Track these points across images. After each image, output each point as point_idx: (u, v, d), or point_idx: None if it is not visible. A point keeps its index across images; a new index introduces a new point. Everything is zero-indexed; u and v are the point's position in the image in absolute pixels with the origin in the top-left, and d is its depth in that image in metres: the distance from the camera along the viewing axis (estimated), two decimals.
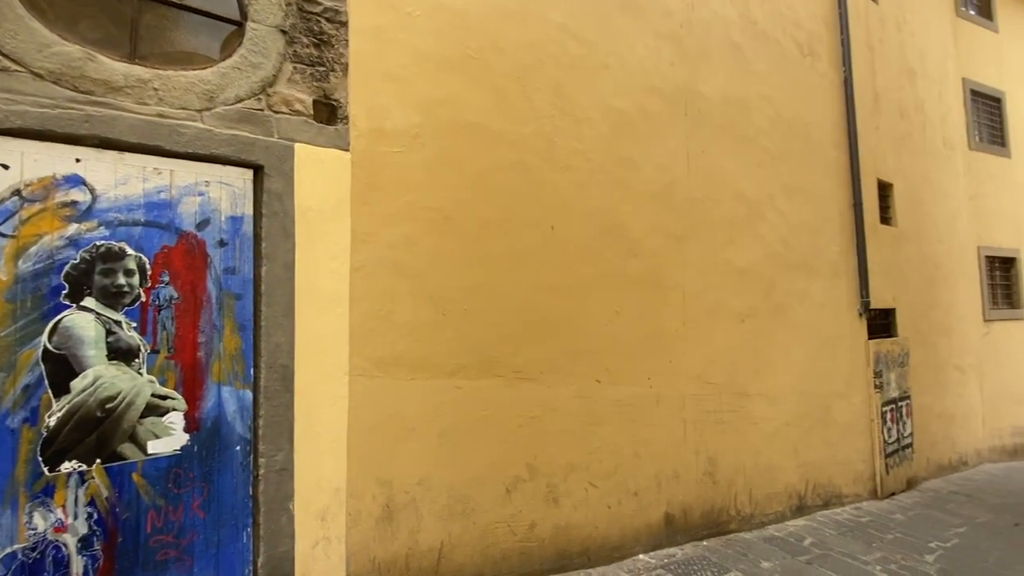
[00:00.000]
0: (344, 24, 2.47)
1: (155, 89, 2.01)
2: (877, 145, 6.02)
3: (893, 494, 5.49)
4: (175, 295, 2.04)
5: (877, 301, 5.61)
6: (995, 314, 8.08)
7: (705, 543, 3.67)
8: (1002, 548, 4.05)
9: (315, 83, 2.40)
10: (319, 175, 2.33)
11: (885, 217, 6.18)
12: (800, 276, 4.80)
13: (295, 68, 2.35)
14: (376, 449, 2.55)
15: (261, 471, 2.16)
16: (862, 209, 5.47)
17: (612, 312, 3.51)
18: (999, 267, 8.35)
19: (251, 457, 2.18)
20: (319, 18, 2.40)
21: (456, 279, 2.86)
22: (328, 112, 2.42)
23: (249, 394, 2.18)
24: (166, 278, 2.02)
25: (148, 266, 1.99)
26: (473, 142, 2.99)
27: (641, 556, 3.36)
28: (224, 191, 2.18)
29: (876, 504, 5.13)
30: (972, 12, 8.56)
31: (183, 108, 2.06)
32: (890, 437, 5.58)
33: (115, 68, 1.94)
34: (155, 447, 1.98)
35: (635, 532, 3.39)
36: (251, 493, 2.17)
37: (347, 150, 2.43)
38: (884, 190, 6.19)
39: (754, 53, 4.64)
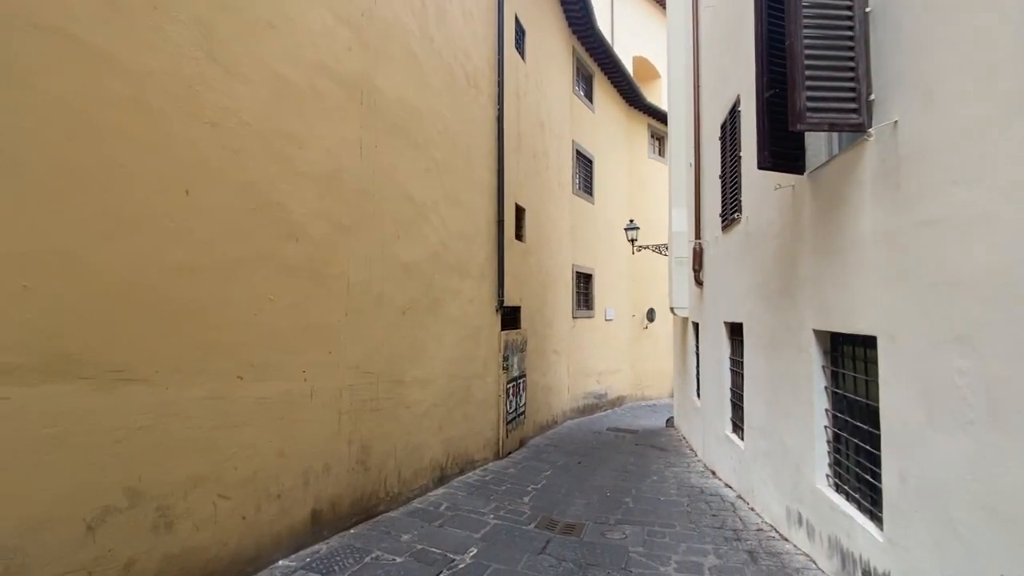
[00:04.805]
0: None
1: None
2: (517, 176, 7.50)
3: (510, 453, 6.90)
4: None
5: (509, 300, 6.97)
6: (579, 313, 11.33)
7: (352, 531, 3.70)
8: (571, 482, 5.60)
9: None
10: None
11: (519, 234, 7.76)
12: (455, 276, 5.48)
13: None
14: None
15: None
16: (504, 226, 6.69)
17: (265, 300, 3.15)
18: (582, 280, 11.73)
19: None
20: None
21: (7, 242, 1.99)
22: None
23: None
24: None
25: None
26: (57, 56, 2.16)
27: (280, 562, 3.12)
28: None
29: (498, 463, 6.32)
30: (581, 93, 11.75)
31: None
32: (511, 407, 7.00)
33: None
34: None
35: (275, 538, 3.12)
36: None
37: None
38: (519, 213, 7.77)
39: (430, 68, 5.05)
